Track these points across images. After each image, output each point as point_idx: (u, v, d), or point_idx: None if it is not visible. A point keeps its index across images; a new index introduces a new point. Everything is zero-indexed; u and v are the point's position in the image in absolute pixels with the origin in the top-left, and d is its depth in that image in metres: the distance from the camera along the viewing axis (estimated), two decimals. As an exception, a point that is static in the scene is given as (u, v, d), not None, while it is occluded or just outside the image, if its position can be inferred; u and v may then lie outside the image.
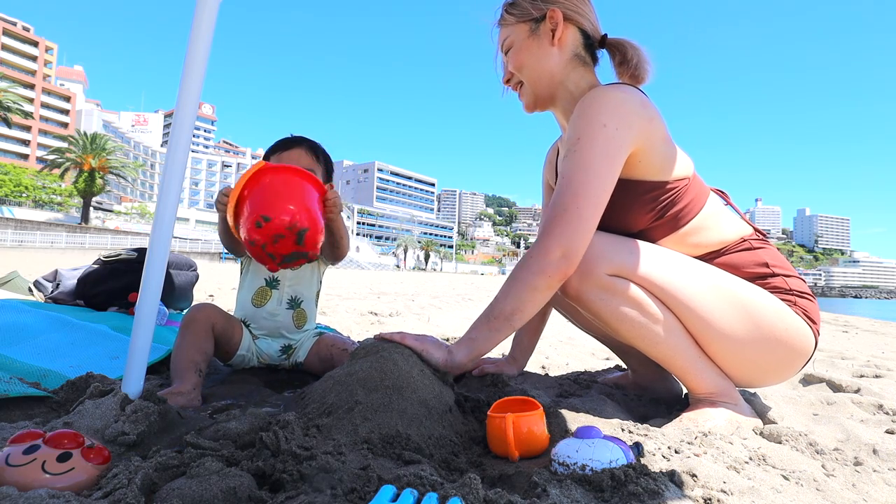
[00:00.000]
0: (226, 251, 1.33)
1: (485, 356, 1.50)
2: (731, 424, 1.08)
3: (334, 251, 1.42)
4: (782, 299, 1.12)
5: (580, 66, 1.21)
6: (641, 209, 1.14)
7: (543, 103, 1.26)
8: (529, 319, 1.08)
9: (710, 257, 1.19)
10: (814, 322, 1.13)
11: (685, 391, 1.37)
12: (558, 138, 1.41)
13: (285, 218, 1.04)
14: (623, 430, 1.03)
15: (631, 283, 1.09)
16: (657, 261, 1.10)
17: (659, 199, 1.13)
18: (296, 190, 1.10)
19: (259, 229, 1.04)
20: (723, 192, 1.31)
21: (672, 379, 1.41)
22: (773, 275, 1.15)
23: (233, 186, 1.14)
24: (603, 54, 1.25)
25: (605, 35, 1.23)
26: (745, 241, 1.19)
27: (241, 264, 1.47)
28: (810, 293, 1.16)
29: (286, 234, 1.05)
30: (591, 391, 1.34)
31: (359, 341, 1.21)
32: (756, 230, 1.24)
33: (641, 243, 1.13)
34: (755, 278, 1.15)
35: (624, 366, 1.70)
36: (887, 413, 1.34)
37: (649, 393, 1.40)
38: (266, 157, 1.45)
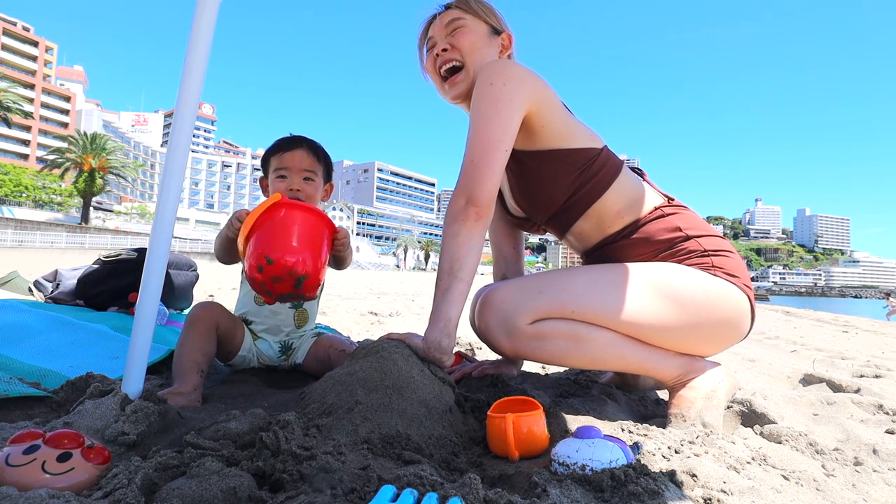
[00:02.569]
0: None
1: (487, 360, 1.49)
2: (710, 400, 1.10)
3: (339, 267, 1.46)
4: (699, 263, 1.15)
5: None
6: (561, 175, 1.18)
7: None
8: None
9: (627, 231, 1.21)
10: (736, 276, 1.14)
11: None
12: None
13: (288, 261, 1.07)
14: (623, 430, 1.03)
15: (555, 321, 1.10)
16: (569, 289, 1.11)
17: (576, 164, 1.17)
18: (305, 232, 1.12)
19: (261, 271, 1.08)
20: (640, 171, 1.35)
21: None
22: (687, 238, 1.17)
23: (249, 210, 1.17)
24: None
25: None
26: (657, 209, 1.22)
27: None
28: (727, 248, 1.18)
29: (286, 277, 1.08)
30: (591, 391, 1.34)
31: (358, 342, 1.21)
32: (668, 198, 1.27)
33: (550, 275, 1.16)
34: (670, 244, 1.17)
35: None
36: (887, 413, 1.34)
37: (640, 386, 1.43)
38: (266, 157, 1.44)
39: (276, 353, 1.42)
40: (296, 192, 1.38)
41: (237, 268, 1.44)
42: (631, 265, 1.15)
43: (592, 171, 1.18)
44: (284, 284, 1.09)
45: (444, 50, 1.24)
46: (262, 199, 1.50)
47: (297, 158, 1.39)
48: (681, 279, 1.11)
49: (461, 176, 1.12)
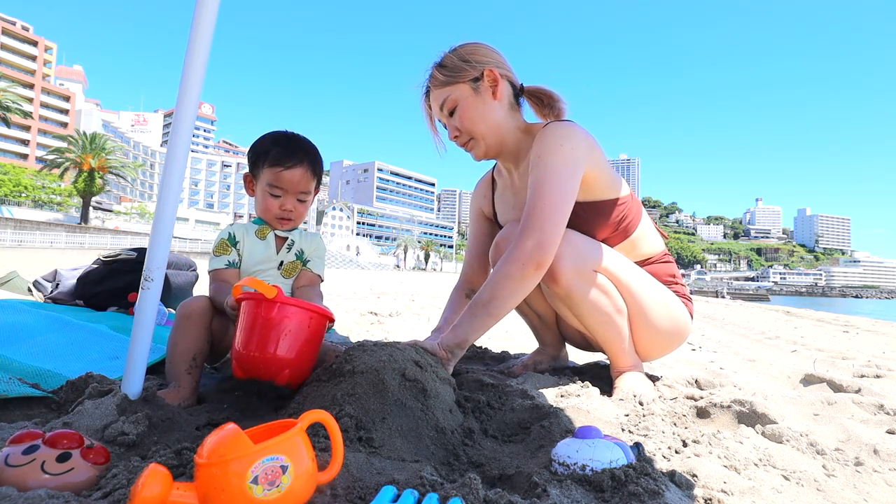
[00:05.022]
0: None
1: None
2: (646, 385, 1.39)
3: None
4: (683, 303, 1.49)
5: (515, 112, 1.42)
6: (604, 223, 1.41)
7: (494, 152, 1.43)
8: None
9: (641, 264, 1.46)
10: (691, 316, 1.52)
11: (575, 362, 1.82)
12: (489, 170, 1.65)
13: (270, 370, 1.00)
14: (623, 430, 1.03)
15: (607, 279, 1.35)
16: (623, 264, 1.39)
17: (614, 212, 1.40)
18: (296, 337, 1.01)
19: (242, 369, 1.02)
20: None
21: (566, 352, 1.81)
22: (676, 283, 1.52)
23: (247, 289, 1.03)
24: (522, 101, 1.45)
25: (522, 84, 1.43)
26: (665, 254, 1.53)
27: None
28: (689, 296, 1.55)
29: (266, 378, 1.02)
30: (590, 390, 1.34)
31: (357, 342, 1.20)
32: (664, 237, 1.60)
33: (612, 250, 1.41)
34: (666, 285, 1.48)
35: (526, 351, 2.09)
36: (888, 413, 1.34)
37: (560, 362, 1.77)
38: (259, 159, 1.32)
39: None
40: (287, 211, 1.33)
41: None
42: (658, 281, 1.46)
43: (626, 216, 1.41)
44: (262, 378, 1.02)
45: (456, 136, 1.40)
46: (245, 195, 1.43)
47: (295, 180, 1.30)
48: (678, 306, 1.46)
49: (534, 218, 1.19)
